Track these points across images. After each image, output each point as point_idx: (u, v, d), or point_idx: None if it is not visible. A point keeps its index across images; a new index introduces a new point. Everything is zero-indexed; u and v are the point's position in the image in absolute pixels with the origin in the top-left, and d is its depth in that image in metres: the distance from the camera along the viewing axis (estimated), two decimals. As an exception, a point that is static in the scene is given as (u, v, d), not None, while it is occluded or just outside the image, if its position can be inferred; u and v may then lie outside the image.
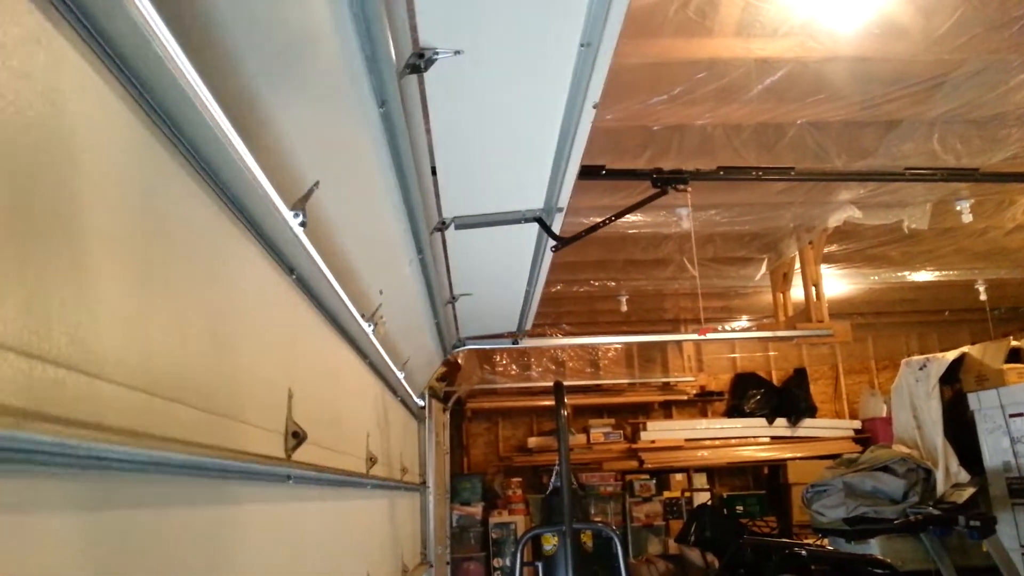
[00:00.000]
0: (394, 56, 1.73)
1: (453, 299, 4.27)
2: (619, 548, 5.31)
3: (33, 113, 0.83)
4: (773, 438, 9.48)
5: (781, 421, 9.51)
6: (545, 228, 3.19)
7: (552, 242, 3.43)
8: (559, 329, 9.08)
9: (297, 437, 1.81)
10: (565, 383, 5.42)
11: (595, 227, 4.08)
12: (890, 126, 4.25)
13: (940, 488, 6.29)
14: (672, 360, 9.93)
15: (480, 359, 9.27)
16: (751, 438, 9.47)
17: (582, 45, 1.92)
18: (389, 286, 3.09)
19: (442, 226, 3.07)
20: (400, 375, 4.00)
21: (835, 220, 5.38)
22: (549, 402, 8.78)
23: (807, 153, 4.33)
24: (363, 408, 3.18)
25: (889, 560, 5.22)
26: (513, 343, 5.66)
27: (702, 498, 8.93)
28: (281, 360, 1.84)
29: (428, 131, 2.26)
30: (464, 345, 5.63)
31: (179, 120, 1.18)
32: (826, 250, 6.21)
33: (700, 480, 9.41)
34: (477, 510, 8.78)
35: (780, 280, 6.54)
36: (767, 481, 9.63)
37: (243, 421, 1.50)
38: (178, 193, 1.26)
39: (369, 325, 2.87)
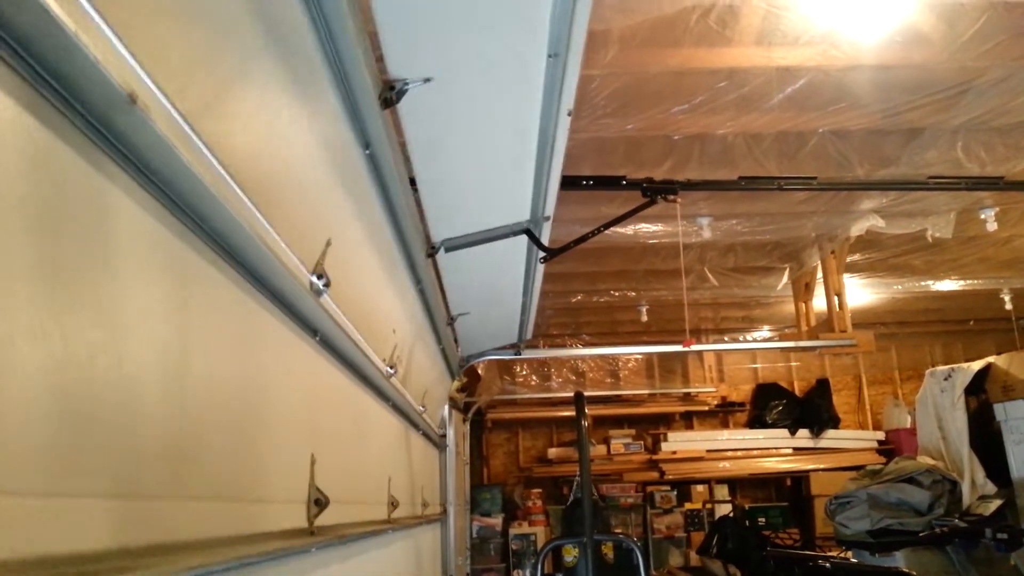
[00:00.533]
0: (374, 96, 1.75)
1: (452, 320, 4.28)
2: (640, 560, 5.28)
3: (69, 227, 0.86)
4: (795, 449, 9.41)
5: (803, 432, 9.44)
6: (533, 239, 3.22)
7: (541, 253, 3.44)
8: (579, 339, 9.06)
9: (320, 504, 1.79)
10: (585, 393, 5.41)
11: (583, 238, 4.08)
12: (913, 134, 4.22)
13: (966, 500, 6.21)
14: (693, 370, 9.88)
15: (500, 370, 9.27)
16: (773, 449, 9.41)
17: (550, 56, 1.92)
18: (399, 323, 3.09)
19: (432, 251, 3.08)
20: (420, 409, 3.98)
21: (858, 229, 5.35)
22: (569, 412, 8.76)
23: (829, 162, 4.31)
24: (385, 452, 3.14)
25: (915, 573, 5.16)
26: (516, 354, 5.73)
27: (724, 510, 8.86)
28: (304, 426, 1.84)
29: (407, 159, 2.26)
30: (468, 363, 5.69)
31: (205, 213, 1.20)
32: (849, 259, 6.17)
33: (722, 492, 9.35)
34: (497, 521, 8.77)
35: (802, 290, 6.50)
36: (790, 493, 9.56)
37: (266, 500, 1.49)
38: (205, 280, 1.28)
39: (391, 370, 2.88)
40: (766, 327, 9.17)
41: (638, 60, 3.36)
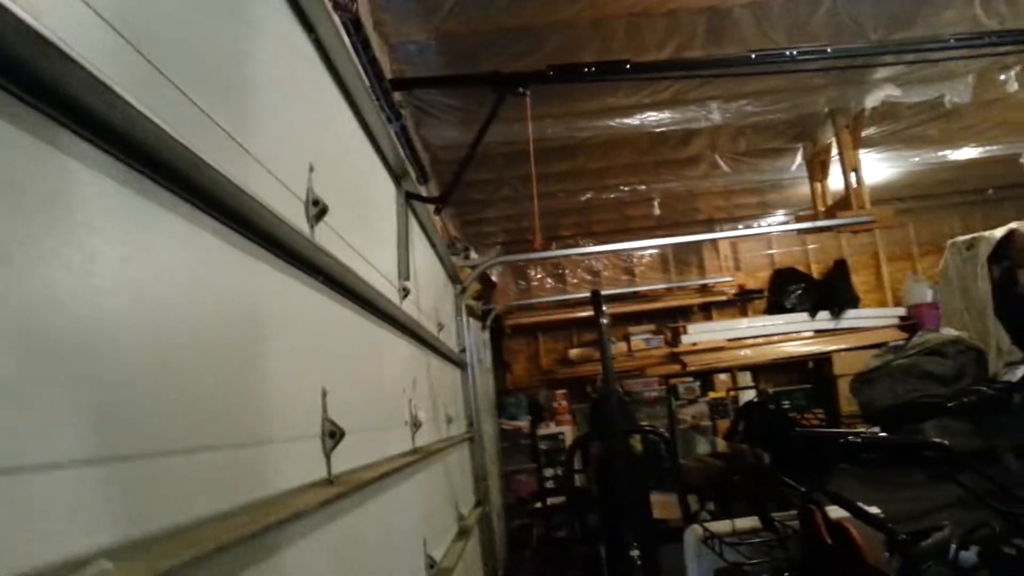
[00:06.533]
0: None
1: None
2: (668, 450, 5.32)
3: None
4: (816, 332, 9.39)
5: (823, 314, 9.40)
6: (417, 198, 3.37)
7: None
8: (591, 238, 8.98)
9: (335, 436, 1.73)
10: (602, 292, 5.34)
11: (463, 165, 3.94)
12: (929, -8, 4.01)
13: (992, 368, 6.19)
14: (709, 261, 9.81)
15: (514, 275, 9.23)
16: (794, 333, 9.39)
17: None
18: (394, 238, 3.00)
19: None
20: (435, 331, 3.90)
21: (873, 100, 5.16)
22: (587, 313, 8.74)
23: (842, 29, 4.11)
24: (403, 379, 2.99)
25: (946, 442, 5.16)
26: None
27: (747, 396, 8.91)
28: (313, 362, 1.76)
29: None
30: (479, 269, 5.66)
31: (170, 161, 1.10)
32: (863, 133, 5.98)
33: (744, 379, 9.39)
34: (524, 424, 8.88)
35: (817, 169, 6.34)
36: (813, 375, 9.59)
37: (275, 440, 1.43)
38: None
39: (401, 293, 2.79)
40: (780, 211, 9.03)
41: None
